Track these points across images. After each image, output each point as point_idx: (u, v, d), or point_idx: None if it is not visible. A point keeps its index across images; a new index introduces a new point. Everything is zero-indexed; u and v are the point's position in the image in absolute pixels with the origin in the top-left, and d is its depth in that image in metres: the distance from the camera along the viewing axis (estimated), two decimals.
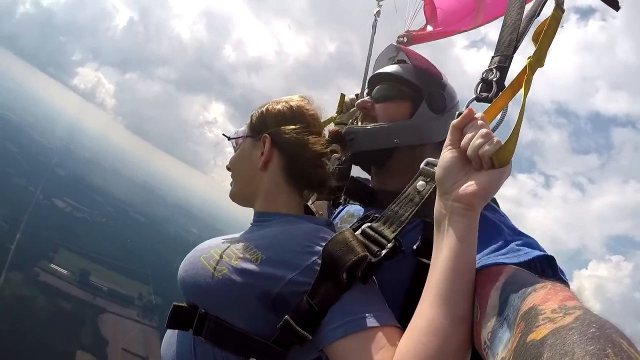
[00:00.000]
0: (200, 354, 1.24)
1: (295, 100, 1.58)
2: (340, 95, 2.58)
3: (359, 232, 1.24)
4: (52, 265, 59.97)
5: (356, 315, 1.13)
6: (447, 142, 1.13)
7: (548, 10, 1.25)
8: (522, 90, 1.15)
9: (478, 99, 1.32)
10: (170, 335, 1.37)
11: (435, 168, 1.16)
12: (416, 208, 1.20)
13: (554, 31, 1.22)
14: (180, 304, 1.30)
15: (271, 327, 1.18)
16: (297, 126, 1.49)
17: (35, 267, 57.06)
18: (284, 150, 1.48)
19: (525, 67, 1.19)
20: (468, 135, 1.07)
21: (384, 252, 1.15)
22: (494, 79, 1.29)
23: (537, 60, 1.20)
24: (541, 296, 0.76)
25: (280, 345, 1.17)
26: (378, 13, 3.04)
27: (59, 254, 64.63)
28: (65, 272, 60.15)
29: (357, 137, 1.68)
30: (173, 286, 1.34)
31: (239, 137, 1.59)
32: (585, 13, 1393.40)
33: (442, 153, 1.13)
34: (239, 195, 1.58)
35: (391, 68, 1.79)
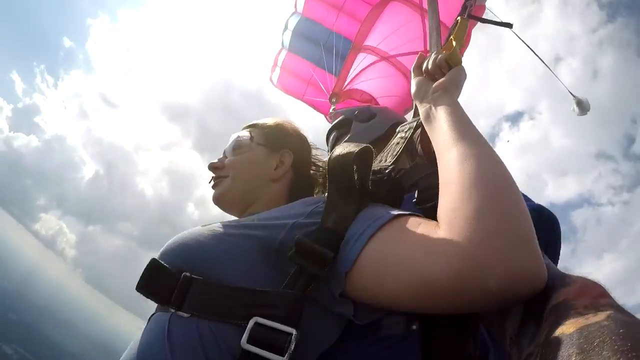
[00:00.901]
0: (178, 334, 0.94)
1: (297, 126, 1.67)
2: None
3: None
4: None
5: (380, 213, 0.99)
6: (412, 78, 1.41)
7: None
8: (453, 44, 1.50)
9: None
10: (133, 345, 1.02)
11: (408, 123, 1.49)
12: (404, 143, 1.40)
13: (463, 27, 1.56)
14: (161, 262, 1.02)
15: (275, 285, 0.96)
16: (310, 149, 1.63)
17: None
18: (298, 170, 1.53)
19: (451, 40, 1.54)
20: (426, 61, 1.37)
21: (388, 169, 1.25)
22: None
23: (458, 41, 1.51)
24: (574, 291, 0.74)
25: (294, 287, 0.95)
26: (334, 110, 3.53)
27: None
28: None
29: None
30: None
31: (250, 141, 1.52)
32: (514, 118, 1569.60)
33: (411, 84, 1.39)
34: (235, 195, 1.46)
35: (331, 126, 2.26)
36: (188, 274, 0.97)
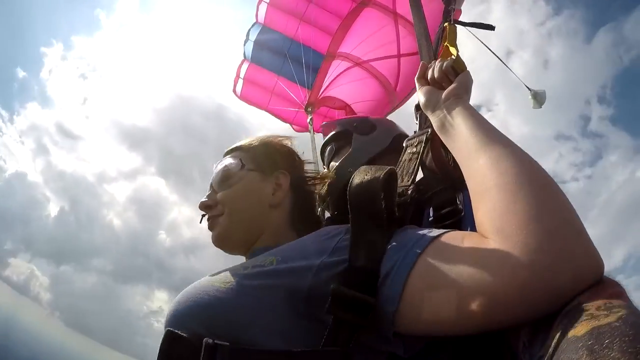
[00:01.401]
0: None
1: (287, 140, 1.57)
2: None
3: None
4: None
5: (415, 238, 0.91)
6: (417, 88, 1.38)
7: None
8: (451, 50, 1.51)
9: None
10: None
11: (416, 137, 1.45)
12: (418, 159, 1.37)
13: (453, 32, 1.61)
14: (178, 332, 0.91)
15: (311, 338, 0.89)
16: (304, 165, 1.54)
17: None
18: (297, 190, 1.43)
19: (446, 46, 1.56)
20: (430, 70, 1.35)
21: (409, 191, 1.24)
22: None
23: (451, 43, 1.55)
24: (587, 294, 0.73)
25: (335, 345, 0.87)
26: (311, 120, 3.54)
27: None
28: None
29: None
30: None
31: (239, 167, 1.39)
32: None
33: (417, 96, 1.36)
34: (236, 233, 1.34)
35: (325, 140, 2.11)
36: (210, 340, 0.85)
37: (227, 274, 1.01)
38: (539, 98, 2.01)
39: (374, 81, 4.00)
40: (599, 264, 0.75)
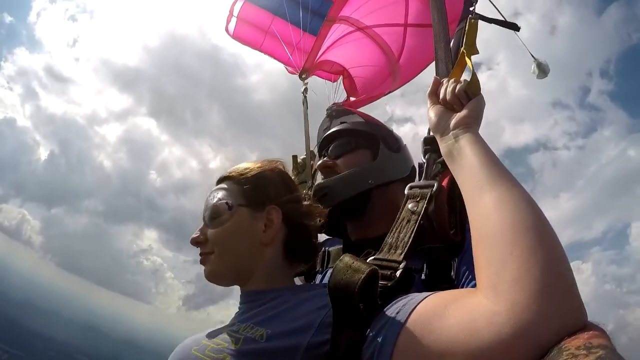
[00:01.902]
0: None
1: (279, 166, 1.51)
2: (292, 157, 2.60)
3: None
4: None
5: (395, 311, 0.95)
6: (428, 105, 1.34)
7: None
8: (468, 62, 1.41)
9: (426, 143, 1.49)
10: None
11: (420, 189, 1.34)
12: (416, 226, 1.23)
13: (473, 30, 1.52)
14: None
15: None
16: (297, 196, 1.47)
17: None
18: (290, 223, 1.40)
19: (463, 52, 1.44)
20: (442, 89, 1.30)
21: (398, 272, 1.09)
22: None
23: (469, 49, 1.45)
24: (570, 336, 0.75)
25: None
26: (306, 90, 3.20)
27: None
28: None
29: (330, 190, 1.73)
30: None
31: (228, 206, 1.36)
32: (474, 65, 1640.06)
33: (427, 114, 1.33)
34: (228, 274, 1.37)
35: (339, 126, 1.96)
36: None
37: (220, 346, 1.08)
38: (542, 68, 1.98)
39: (375, 47, 3.65)
40: (583, 318, 0.77)
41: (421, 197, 1.31)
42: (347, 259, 1.03)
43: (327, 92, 3.25)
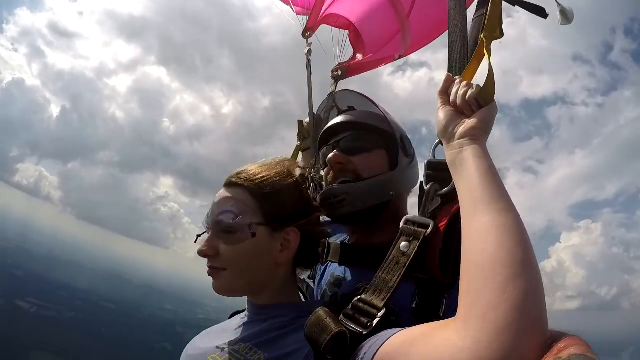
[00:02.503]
0: None
1: (295, 173, 1.52)
2: (298, 122, 2.60)
3: (349, 307, 1.21)
4: None
5: (363, 353, 1.05)
6: (438, 105, 1.31)
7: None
8: (486, 56, 1.34)
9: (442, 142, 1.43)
10: None
11: (415, 226, 1.27)
12: (403, 270, 1.21)
13: (497, 10, 1.41)
14: None
15: None
16: (318, 217, 1.55)
17: None
18: (305, 243, 1.45)
19: (482, 39, 1.37)
20: (453, 91, 1.26)
21: (375, 321, 1.13)
22: None
23: (490, 34, 1.38)
24: (541, 355, 0.79)
25: None
26: (309, 52, 2.99)
27: (33, 357, 61.05)
28: None
29: (349, 197, 1.64)
30: None
31: (244, 224, 1.36)
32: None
33: (436, 114, 1.30)
34: (239, 290, 1.44)
35: (353, 116, 1.83)
36: None
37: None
38: (566, 14, 1.80)
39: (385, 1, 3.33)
40: (543, 348, 0.79)
41: (414, 237, 1.25)
42: (320, 313, 1.14)
43: (334, 48, 3.04)
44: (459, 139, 1.18)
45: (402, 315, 1.22)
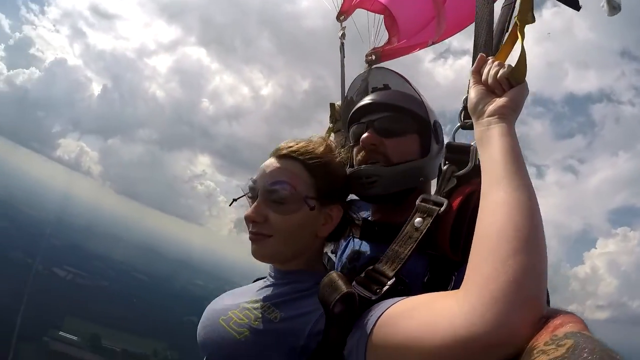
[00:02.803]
0: None
1: (334, 148, 1.61)
2: (330, 105, 2.64)
3: (362, 274, 1.29)
4: (61, 333, 58.99)
5: (370, 314, 1.12)
6: (470, 84, 1.34)
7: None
8: (519, 39, 1.34)
9: (463, 126, 1.49)
10: None
11: (430, 204, 1.34)
12: (415, 244, 1.27)
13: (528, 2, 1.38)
14: None
15: None
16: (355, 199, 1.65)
17: (44, 336, 56.28)
18: (342, 220, 1.55)
19: (516, 23, 1.37)
20: (486, 70, 1.29)
21: (384, 289, 1.20)
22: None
23: (523, 17, 1.37)
24: (536, 334, 0.80)
25: None
26: (343, 35, 3.03)
27: (67, 322, 63.47)
28: (75, 338, 58.97)
29: (381, 179, 1.65)
30: (187, 339, 1.48)
31: (300, 198, 1.43)
32: (537, 3, 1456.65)
33: (468, 92, 1.34)
34: (280, 257, 1.51)
35: (389, 97, 1.80)
36: None
37: (242, 322, 1.33)
38: (613, 3, 1.71)
39: None
40: (537, 325, 0.82)
41: (428, 214, 1.31)
42: (333, 275, 1.23)
43: (369, 32, 3.00)
44: (488, 116, 1.21)
45: (413, 288, 1.30)
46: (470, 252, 0.98)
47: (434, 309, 0.96)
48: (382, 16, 3.07)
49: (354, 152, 1.79)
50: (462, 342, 0.85)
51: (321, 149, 1.53)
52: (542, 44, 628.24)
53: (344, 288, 1.16)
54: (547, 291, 1.22)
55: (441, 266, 1.41)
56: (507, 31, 1.45)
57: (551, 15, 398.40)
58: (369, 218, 1.87)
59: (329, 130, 2.61)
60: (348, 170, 1.69)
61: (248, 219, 1.44)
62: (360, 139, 1.72)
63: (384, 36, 3.03)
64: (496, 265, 0.88)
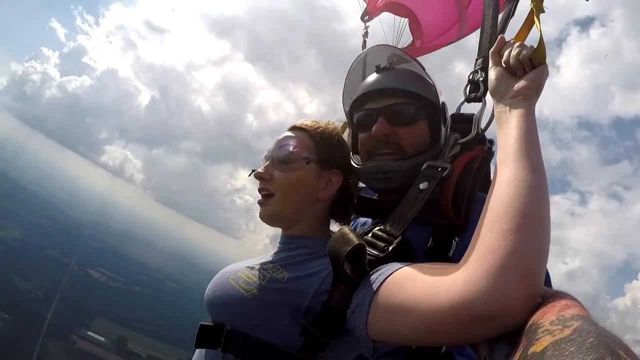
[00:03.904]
0: None
1: (337, 129, 1.69)
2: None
3: (369, 235, 1.34)
4: (89, 333, 60.04)
5: (378, 274, 1.16)
6: (490, 65, 1.35)
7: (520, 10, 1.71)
8: (536, 22, 1.39)
9: (468, 99, 1.59)
10: (199, 355, 1.42)
11: (434, 169, 1.44)
12: (420, 205, 1.35)
13: None
14: (207, 323, 1.40)
15: (299, 341, 1.25)
16: (352, 165, 1.64)
17: (72, 334, 57.37)
18: (343, 190, 1.59)
19: (531, 10, 1.41)
20: (507, 51, 1.29)
21: (391, 247, 1.26)
22: (480, 79, 1.48)
23: (538, 3, 1.41)
24: (539, 311, 0.81)
25: (306, 353, 1.24)
26: (366, 34, 3.03)
27: (96, 322, 64.68)
28: (102, 339, 59.95)
29: (396, 174, 1.61)
30: None
31: (303, 158, 1.53)
32: (585, 24, 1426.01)
33: (489, 74, 1.34)
34: (281, 217, 1.56)
35: (403, 82, 1.68)
36: (229, 328, 1.31)
37: (250, 280, 1.37)
38: None
39: None
40: (530, 302, 0.85)
41: (432, 178, 1.40)
42: (345, 229, 1.26)
43: (392, 34, 3.14)
44: (511, 97, 1.21)
45: (417, 256, 1.34)
46: (477, 223, 1.02)
47: (438, 275, 0.99)
48: (406, 19, 3.13)
49: (362, 139, 1.72)
50: (455, 309, 0.89)
51: (330, 127, 1.65)
52: (589, 66, 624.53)
53: (355, 240, 1.18)
54: (548, 273, 1.32)
55: (443, 233, 1.47)
56: (512, 16, 1.60)
57: (598, 36, 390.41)
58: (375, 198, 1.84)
59: (345, 125, 2.40)
60: (361, 164, 1.66)
61: (256, 176, 1.55)
62: (373, 130, 1.65)
63: (404, 36, 3.14)
64: (498, 237, 0.90)
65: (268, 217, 1.55)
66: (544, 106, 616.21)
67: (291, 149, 1.53)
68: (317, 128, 1.61)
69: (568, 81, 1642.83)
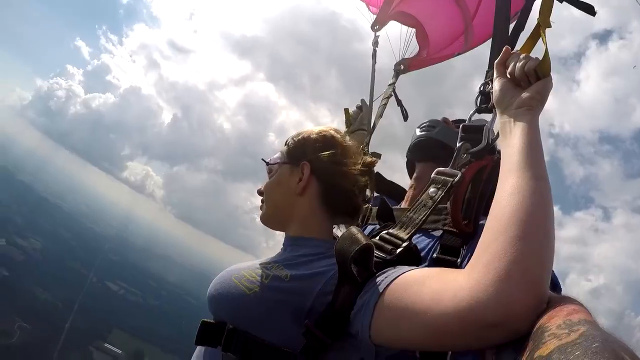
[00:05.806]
0: None
1: (330, 130, 1.68)
2: (344, 110, 2.93)
3: (376, 237, 1.36)
4: (107, 345, 60.60)
5: (385, 276, 1.16)
6: (495, 76, 1.38)
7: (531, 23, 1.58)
8: (541, 35, 1.44)
9: (479, 110, 1.63)
10: (198, 353, 1.44)
11: (445, 176, 1.47)
12: (429, 211, 1.39)
13: (548, 5, 1.50)
14: (208, 320, 1.39)
15: (301, 342, 1.25)
16: (334, 155, 1.59)
17: (90, 345, 57.94)
18: (321, 178, 1.58)
19: (538, 23, 1.47)
20: (512, 62, 1.33)
21: (398, 250, 1.28)
22: (491, 91, 1.50)
23: (544, 19, 1.46)
24: (546, 315, 0.83)
25: (308, 355, 1.23)
26: (376, 43, 3.23)
27: (113, 334, 65.22)
28: (119, 351, 60.39)
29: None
30: None
31: (275, 163, 1.66)
32: (603, 37, 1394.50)
33: (493, 85, 1.38)
34: (272, 219, 1.66)
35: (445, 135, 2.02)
36: (231, 326, 1.31)
37: (253, 279, 1.37)
38: None
39: (452, 1, 3.36)
40: (536, 309, 0.87)
41: (442, 185, 1.44)
42: (352, 229, 1.28)
43: (398, 44, 3.24)
44: (515, 108, 1.25)
45: (424, 261, 1.41)
46: (483, 232, 1.03)
47: (444, 280, 1.01)
48: (413, 30, 3.24)
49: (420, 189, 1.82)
50: (461, 315, 0.90)
51: (314, 130, 1.68)
52: (608, 79, 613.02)
53: (363, 240, 1.20)
54: (555, 279, 1.36)
55: (452, 240, 1.52)
56: (522, 29, 1.65)
57: (617, 48, 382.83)
58: None
59: (345, 133, 2.48)
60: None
61: (257, 192, 1.70)
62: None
63: (411, 46, 3.25)
64: (504, 245, 0.92)
65: (262, 220, 1.66)
66: (565, 121, 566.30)
67: (272, 163, 1.67)
68: (295, 135, 1.69)
69: (589, 95, 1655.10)
